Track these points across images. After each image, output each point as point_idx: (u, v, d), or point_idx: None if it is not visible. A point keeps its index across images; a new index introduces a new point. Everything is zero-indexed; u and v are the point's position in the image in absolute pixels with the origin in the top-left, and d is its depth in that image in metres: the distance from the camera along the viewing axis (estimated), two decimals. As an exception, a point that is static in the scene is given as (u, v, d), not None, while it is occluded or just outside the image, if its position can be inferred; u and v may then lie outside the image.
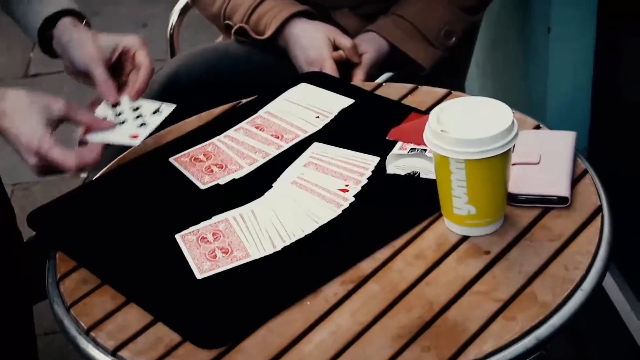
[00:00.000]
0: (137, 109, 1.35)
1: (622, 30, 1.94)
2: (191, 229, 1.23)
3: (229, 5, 1.76)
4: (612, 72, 2.00)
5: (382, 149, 1.33)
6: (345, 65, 1.68)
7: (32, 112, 1.24)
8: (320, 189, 1.28)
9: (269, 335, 1.07)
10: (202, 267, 1.17)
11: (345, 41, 1.67)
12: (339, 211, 1.24)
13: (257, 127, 1.44)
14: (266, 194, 1.29)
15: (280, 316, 1.09)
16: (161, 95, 1.69)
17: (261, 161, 1.36)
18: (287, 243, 1.19)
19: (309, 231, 1.21)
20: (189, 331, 1.09)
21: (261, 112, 1.47)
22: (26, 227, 1.33)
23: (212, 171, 1.35)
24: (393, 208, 1.24)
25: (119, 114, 1.34)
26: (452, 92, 1.49)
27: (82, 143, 1.30)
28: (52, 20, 1.43)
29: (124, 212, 1.31)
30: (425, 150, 1.28)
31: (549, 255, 1.13)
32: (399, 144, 1.33)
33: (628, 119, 1.97)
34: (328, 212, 1.24)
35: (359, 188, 1.28)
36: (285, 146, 1.39)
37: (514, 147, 1.12)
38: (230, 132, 1.43)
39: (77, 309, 1.15)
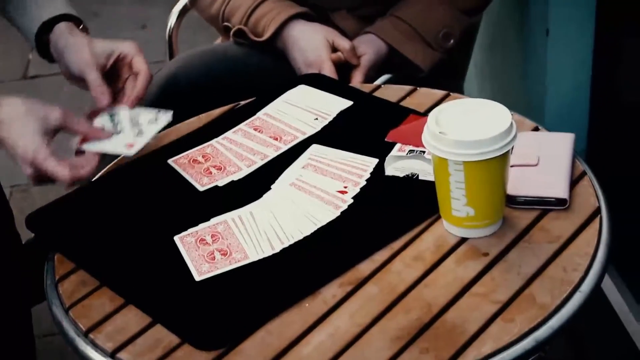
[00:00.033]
0: (134, 118, 1.35)
1: (621, 31, 1.94)
2: (190, 230, 1.23)
3: (227, 7, 1.76)
4: (611, 72, 2.00)
5: (381, 150, 1.33)
6: (344, 67, 1.68)
7: (28, 121, 1.24)
8: (319, 191, 1.28)
9: (268, 337, 1.07)
10: (200, 269, 1.17)
11: (343, 43, 1.67)
12: (338, 213, 1.24)
13: (255, 129, 1.44)
14: (265, 195, 1.29)
15: (279, 318, 1.09)
16: (160, 96, 1.69)
17: (260, 163, 1.36)
18: (286, 245, 1.19)
19: (308, 233, 1.21)
20: (188, 333, 1.09)
21: (260, 114, 1.47)
22: (25, 229, 1.33)
23: (210, 173, 1.35)
24: (392, 210, 1.24)
25: (117, 124, 1.34)
26: (451, 93, 1.49)
27: (79, 152, 1.30)
28: (48, 25, 1.43)
29: (123, 213, 1.31)
30: (423, 152, 1.28)
31: (548, 257, 1.13)
32: (398, 145, 1.33)
33: (627, 120, 1.97)
34: (327, 214, 1.24)
35: (357, 190, 1.28)
36: (284, 148, 1.39)
37: (512, 149, 1.12)
38: (229, 133, 1.43)
39: (75, 310, 1.15)
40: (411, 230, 1.20)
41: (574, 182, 1.25)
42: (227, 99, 1.55)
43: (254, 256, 1.18)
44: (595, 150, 2.01)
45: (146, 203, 1.32)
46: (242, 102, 1.53)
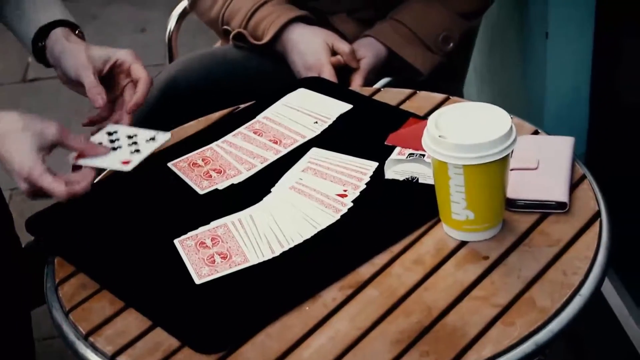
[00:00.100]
0: (132, 136, 1.35)
1: (621, 32, 1.94)
2: (190, 234, 1.23)
3: (227, 10, 1.76)
4: (611, 73, 2.00)
5: (381, 154, 1.33)
6: (344, 71, 1.68)
7: (25, 136, 1.23)
8: (319, 194, 1.28)
9: (268, 340, 1.07)
10: (200, 272, 1.17)
11: (343, 46, 1.67)
12: (338, 216, 1.24)
13: (255, 133, 1.44)
14: (265, 199, 1.29)
15: (279, 321, 1.09)
16: (159, 100, 1.69)
17: (259, 166, 1.36)
18: (286, 248, 1.19)
19: (308, 236, 1.21)
20: (188, 336, 1.09)
21: (259, 117, 1.47)
22: (24, 232, 1.33)
23: (210, 176, 1.35)
24: (391, 213, 1.24)
25: (114, 140, 1.34)
26: (450, 97, 1.49)
27: (76, 167, 1.30)
28: (44, 31, 1.43)
29: (123, 217, 1.31)
30: (423, 155, 1.28)
31: (548, 261, 1.13)
32: (398, 149, 1.33)
33: (626, 122, 1.97)
34: (326, 218, 1.24)
35: (357, 193, 1.28)
36: (284, 151, 1.39)
37: (512, 152, 1.12)
38: (229, 137, 1.43)
39: (75, 314, 1.15)
40: (411, 233, 1.20)
41: (573, 185, 1.25)
42: (226, 102, 1.55)
43: (254, 259, 1.18)
44: (594, 152, 2.01)
45: (146, 206, 1.32)
46: (242, 106, 1.53)
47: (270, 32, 1.70)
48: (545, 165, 1.27)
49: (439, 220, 1.21)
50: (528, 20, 2.06)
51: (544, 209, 1.21)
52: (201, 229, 1.24)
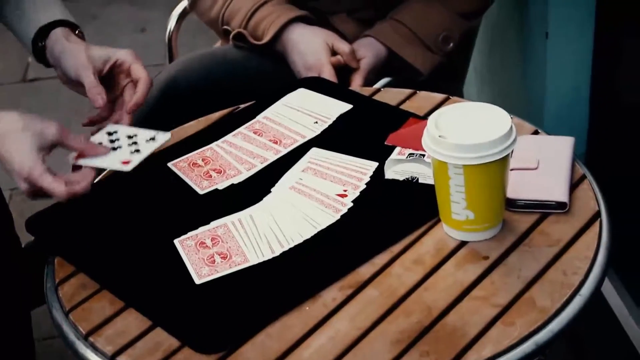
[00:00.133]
0: (132, 136, 1.35)
1: (621, 32, 1.94)
2: (190, 234, 1.23)
3: (227, 10, 1.76)
4: (611, 73, 2.00)
5: (381, 154, 1.33)
6: (344, 71, 1.68)
7: (25, 136, 1.23)
8: (319, 194, 1.28)
9: (268, 340, 1.07)
10: (200, 272, 1.17)
11: (343, 46, 1.67)
12: (338, 216, 1.24)
13: (255, 132, 1.44)
14: (265, 199, 1.29)
15: (279, 321, 1.09)
16: (159, 100, 1.69)
17: (259, 166, 1.36)
18: (286, 248, 1.19)
19: (308, 236, 1.21)
20: (188, 336, 1.09)
21: (259, 117, 1.47)
22: (24, 232, 1.33)
23: (210, 176, 1.35)
24: (391, 213, 1.24)
25: (114, 140, 1.34)
26: (450, 97, 1.49)
27: (76, 167, 1.30)
28: (44, 31, 1.43)
29: (123, 217, 1.31)
30: (423, 155, 1.28)
31: (548, 261, 1.13)
32: (398, 149, 1.33)
33: (626, 122, 1.97)
34: (326, 218, 1.24)
35: (357, 193, 1.28)
36: (284, 151, 1.39)
37: (512, 152, 1.12)
38: (229, 137, 1.43)
39: (75, 314, 1.15)
40: (411, 233, 1.20)
41: (573, 185, 1.25)
42: (226, 102, 1.55)
43: (254, 259, 1.18)
44: (594, 152, 2.01)
45: (146, 206, 1.32)
46: (242, 106, 1.53)
47: (270, 32, 1.70)
48: (545, 165, 1.27)
49: (439, 220, 1.21)
50: (528, 20, 2.06)
51: (544, 209, 1.21)
52: (201, 229, 1.24)
